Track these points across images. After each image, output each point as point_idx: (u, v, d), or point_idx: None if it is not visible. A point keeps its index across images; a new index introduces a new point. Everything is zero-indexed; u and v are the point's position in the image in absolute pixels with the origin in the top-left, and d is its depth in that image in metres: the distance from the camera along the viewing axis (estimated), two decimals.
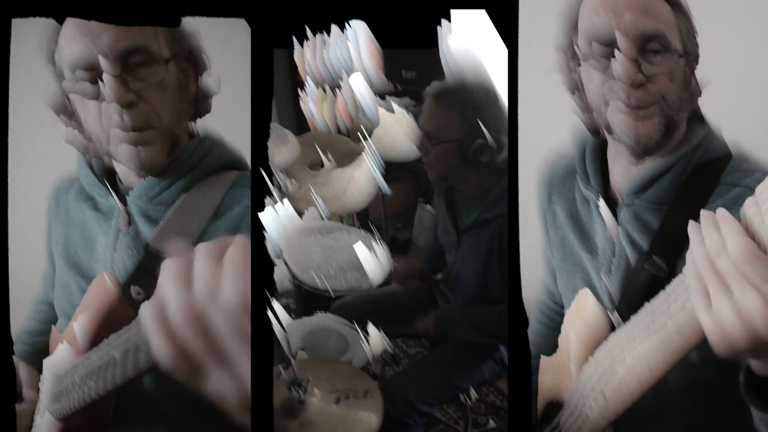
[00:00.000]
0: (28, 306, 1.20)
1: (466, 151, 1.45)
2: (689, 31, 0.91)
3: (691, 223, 0.70)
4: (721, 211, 0.68)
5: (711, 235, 0.66)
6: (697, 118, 0.95)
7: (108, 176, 1.08)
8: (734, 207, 0.85)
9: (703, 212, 0.70)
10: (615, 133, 0.93)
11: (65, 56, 0.94)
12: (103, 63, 0.91)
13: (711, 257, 0.65)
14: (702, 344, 0.69)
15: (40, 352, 1.09)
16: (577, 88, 0.98)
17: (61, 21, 0.96)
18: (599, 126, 0.97)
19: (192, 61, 1.03)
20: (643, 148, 0.93)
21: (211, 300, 0.54)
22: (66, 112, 1.00)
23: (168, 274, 0.56)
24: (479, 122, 1.42)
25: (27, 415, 1.02)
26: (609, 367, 0.82)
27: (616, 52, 0.88)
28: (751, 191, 0.85)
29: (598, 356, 0.86)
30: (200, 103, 1.05)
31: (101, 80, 0.92)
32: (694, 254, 0.68)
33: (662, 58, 0.88)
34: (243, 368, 0.53)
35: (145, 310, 0.56)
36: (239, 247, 0.57)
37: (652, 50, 0.88)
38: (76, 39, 0.92)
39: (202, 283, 0.55)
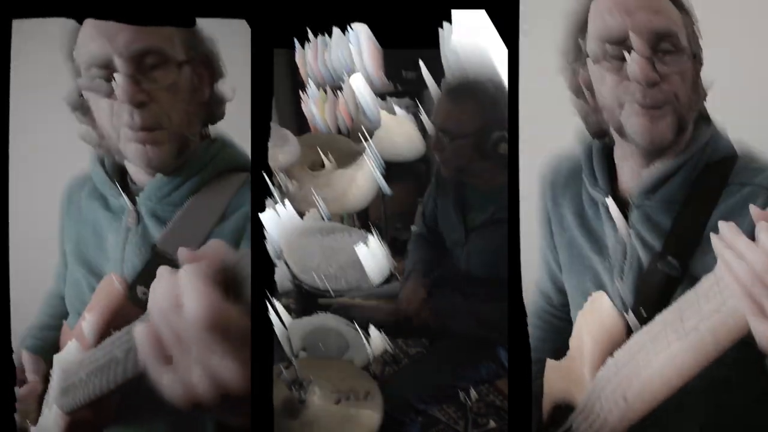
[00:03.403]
0: (34, 302, 1.22)
1: (484, 144, 1.45)
2: (694, 33, 0.91)
3: (715, 237, 0.71)
4: (764, 225, 0.68)
5: (752, 250, 0.67)
6: (702, 118, 0.95)
7: (119, 176, 1.10)
8: (745, 206, 0.85)
9: (723, 224, 0.70)
10: (628, 135, 0.93)
11: (82, 54, 0.97)
12: (118, 62, 0.93)
13: (759, 273, 0.66)
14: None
15: (50, 345, 1.11)
16: (581, 91, 0.98)
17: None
18: (606, 128, 0.97)
19: (208, 67, 1.04)
20: (656, 149, 0.93)
21: (173, 314, 0.56)
22: (81, 109, 1.02)
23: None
24: (496, 114, 1.41)
25: (30, 398, 1.05)
26: (632, 370, 0.82)
27: (632, 52, 0.88)
28: (762, 189, 0.86)
29: (618, 359, 0.86)
30: (214, 109, 1.07)
31: (115, 79, 0.94)
32: (735, 270, 0.68)
33: (673, 58, 0.89)
34: (212, 368, 0.55)
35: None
36: (202, 255, 0.59)
37: (663, 50, 0.89)
38: (94, 38, 0.95)
39: (162, 299, 0.57)
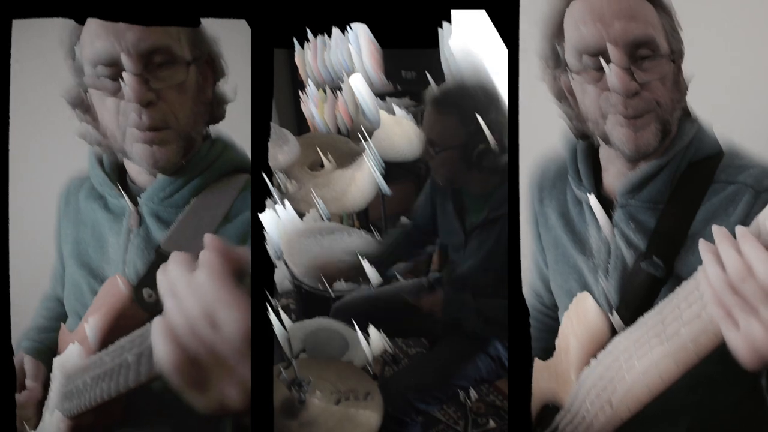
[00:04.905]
0: (34, 304, 1.21)
1: (469, 157, 1.46)
2: (673, 28, 0.90)
3: (702, 242, 0.71)
4: (741, 230, 0.68)
5: (732, 257, 0.67)
6: (685, 115, 0.94)
7: (119, 176, 1.09)
8: (731, 204, 0.86)
9: (716, 229, 0.70)
10: (613, 144, 0.93)
11: (88, 52, 0.95)
12: (126, 61, 0.92)
13: (733, 281, 0.66)
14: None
15: (48, 348, 1.10)
16: (564, 96, 0.97)
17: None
18: (591, 134, 0.97)
19: (211, 66, 1.04)
20: (641, 157, 0.93)
21: (210, 321, 0.57)
22: (82, 106, 1.01)
23: (166, 285, 0.60)
24: (481, 126, 1.41)
25: (29, 404, 1.03)
26: (616, 374, 0.82)
27: (610, 63, 0.87)
28: (747, 188, 0.86)
29: (603, 362, 0.86)
30: (215, 109, 1.06)
31: (122, 78, 0.93)
32: (709, 275, 0.68)
33: (653, 63, 0.88)
34: (244, 378, 0.57)
35: (155, 322, 0.60)
36: (239, 262, 0.60)
37: (642, 56, 0.88)
38: (101, 36, 0.93)
39: (200, 302, 0.58)
